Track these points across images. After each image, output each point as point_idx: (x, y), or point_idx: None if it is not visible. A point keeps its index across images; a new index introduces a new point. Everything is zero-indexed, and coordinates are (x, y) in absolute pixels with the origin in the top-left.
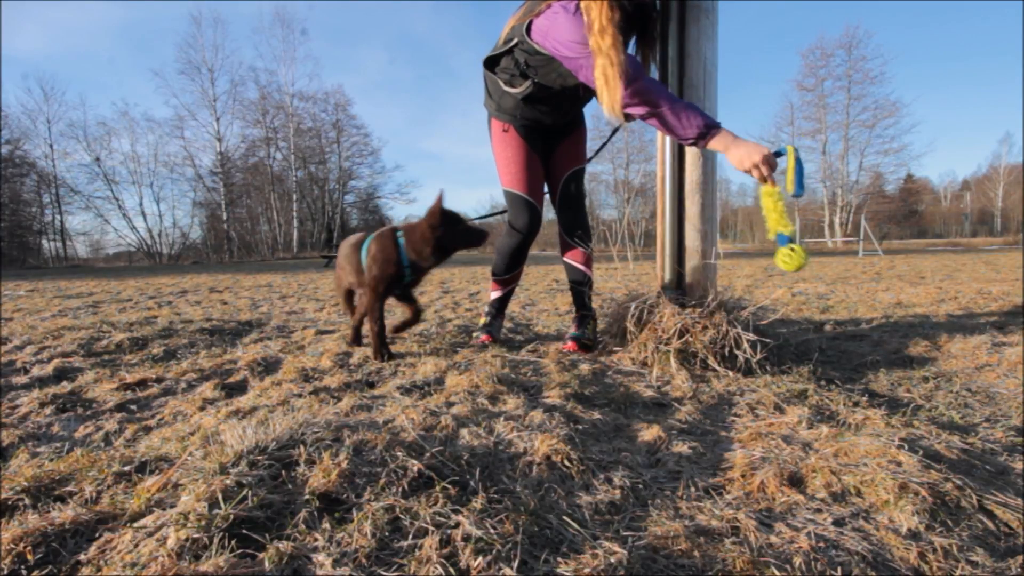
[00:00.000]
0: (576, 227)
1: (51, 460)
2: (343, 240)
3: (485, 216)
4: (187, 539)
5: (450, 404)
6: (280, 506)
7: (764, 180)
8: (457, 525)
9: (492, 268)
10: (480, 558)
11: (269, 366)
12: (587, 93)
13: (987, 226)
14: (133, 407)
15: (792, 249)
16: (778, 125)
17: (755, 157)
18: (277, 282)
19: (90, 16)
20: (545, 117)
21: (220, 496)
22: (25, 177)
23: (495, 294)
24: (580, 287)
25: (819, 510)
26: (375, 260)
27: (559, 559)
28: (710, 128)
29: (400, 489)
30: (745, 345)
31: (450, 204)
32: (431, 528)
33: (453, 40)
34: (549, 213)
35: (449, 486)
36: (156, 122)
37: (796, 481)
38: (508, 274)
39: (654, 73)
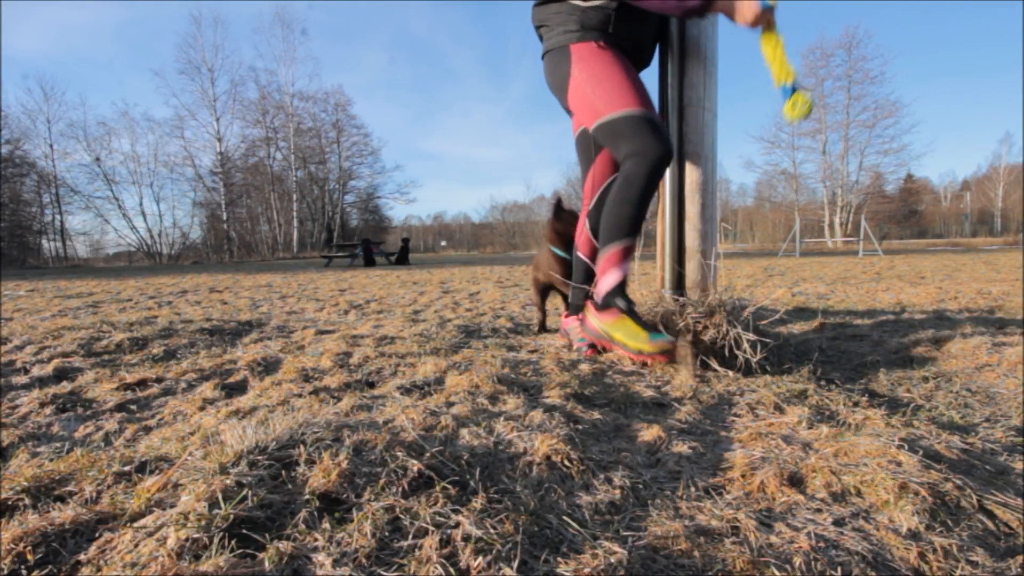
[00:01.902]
0: None
1: (51, 460)
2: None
3: None
4: (187, 539)
5: (450, 404)
6: (280, 506)
7: (769, 26)
8: (457, 525)
9: (606, 233)
10: (480, 558)
11: (269, 366)
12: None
13: (987, 226)
14: (133, 407)
15: (798, 97)
16: (778, 125)
17: (756, 8)
18: (277, 282)
19: (90, 16)
20: (639, 29)
21: (220, 496)
22: (25, 177)
23: (616, 273)
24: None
25: (819, 510)
26: None
27: (559, 559)
28: None
29: (400, 489)
30: (745, 345)
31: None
32: (431, 528)
33: (453, 40)
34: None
35: (449, 486)
36: (156, 122)
37: (796, 481)
38: (636, 234)
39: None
